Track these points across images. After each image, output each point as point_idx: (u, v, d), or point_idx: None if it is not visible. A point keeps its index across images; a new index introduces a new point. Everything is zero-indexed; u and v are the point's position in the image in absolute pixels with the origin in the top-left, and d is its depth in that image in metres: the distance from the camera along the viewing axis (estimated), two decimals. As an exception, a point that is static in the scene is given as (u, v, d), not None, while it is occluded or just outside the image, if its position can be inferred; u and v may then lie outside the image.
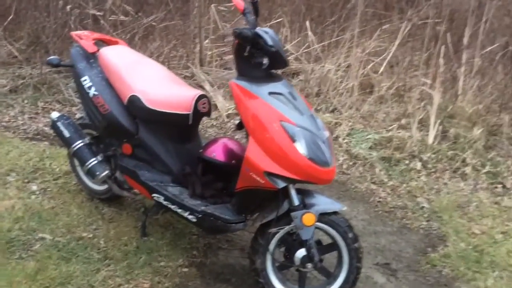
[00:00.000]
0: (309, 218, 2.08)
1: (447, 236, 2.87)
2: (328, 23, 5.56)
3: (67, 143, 2.71)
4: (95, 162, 2.64)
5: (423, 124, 4.04)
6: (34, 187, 3.08)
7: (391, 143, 3.80)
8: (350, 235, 2.17)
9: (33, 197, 2.98)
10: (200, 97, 2.40)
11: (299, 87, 4.80)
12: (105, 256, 2.49)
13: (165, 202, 2.39)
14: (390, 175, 3.52)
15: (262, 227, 2.22)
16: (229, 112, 4.39)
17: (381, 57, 4.94)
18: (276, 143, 2.01)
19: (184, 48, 5.11)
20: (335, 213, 2.18)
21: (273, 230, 2.17)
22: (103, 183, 2.76)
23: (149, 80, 2.48)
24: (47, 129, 4.06)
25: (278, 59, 2.09)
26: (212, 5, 5.26)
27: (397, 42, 4.92)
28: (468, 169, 3.54)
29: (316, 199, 2.18)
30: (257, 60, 2.05)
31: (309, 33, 5.23)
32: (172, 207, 2.37)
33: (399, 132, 3.89)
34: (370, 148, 3.78)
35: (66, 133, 2.69)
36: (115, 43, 2.75)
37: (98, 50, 2.62)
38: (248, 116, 2.06)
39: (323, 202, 2.18)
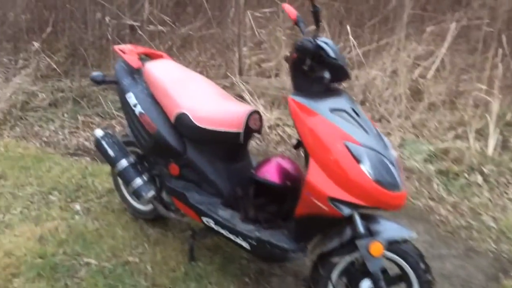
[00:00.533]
0: (376, 248, 1.88)
1: (520, 260, 2.62)
2: (369, 26, 5.33)
3: (111, 162, 2.59)
4: (141, 182, 2.52)
5: (480, 133, 3.77)
6: (78, 207, 2.99)
7: (447, 154, 3.55)
8: (422, 265, 1.96)
9: (76, 217, 2.88)
10: (252, 113, 2.23)
11: (343, 95, 4.60)
12: (153, 283, 2.36)
13: (215, 227, 2.24)
14: (449, 190, 3.27)
15: (322, 256, 2.03)
16: (271, 123, 4.22)
17: (428, 61, 4.69)
18: (340, 165, 1.82)
19: (223, 57, 4.98)
20: (404, 240, 1.98)
21: (336, 259, 1.98)
22: (148, 203, 2.64)
23: (197, 96, 2.34)
24: (87, 143, 4.00)
25: (340, 72, 1.91)
26: (248, 11, 5.12)
27: (445, 45, 4.66)
28: (534, 183, 3.27)
29: (381, 225, 1.97)
30: (318, 74, 1.87)
31: (350, 37, 5.01)
32: (223, 231, 2.22)
33: (455, 143, 3.63)
34: (425, 160, 3.54)
35: (111, 152, 2.58)
36: (160, 57, 2.62)
37: (143, 65, 2.49)
38: (308, 135, 1.88)
39: (390, 229, 1.97)
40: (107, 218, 2.89)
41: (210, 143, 2.29)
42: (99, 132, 2.66)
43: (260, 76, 5.01)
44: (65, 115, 4.39)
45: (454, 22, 4.64)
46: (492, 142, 3.57)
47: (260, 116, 2.28)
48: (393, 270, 2.04)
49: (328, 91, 1.96)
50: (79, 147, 3.95)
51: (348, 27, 5.03)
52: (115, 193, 3.11)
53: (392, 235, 1.95)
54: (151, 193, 2.52)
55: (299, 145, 2.05)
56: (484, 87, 3.95)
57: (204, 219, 2.26)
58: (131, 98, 2.40)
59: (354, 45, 4.85)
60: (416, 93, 4.48)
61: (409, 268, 1.96)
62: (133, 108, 2.39)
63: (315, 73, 1.88)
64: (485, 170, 3.39)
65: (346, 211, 1.84)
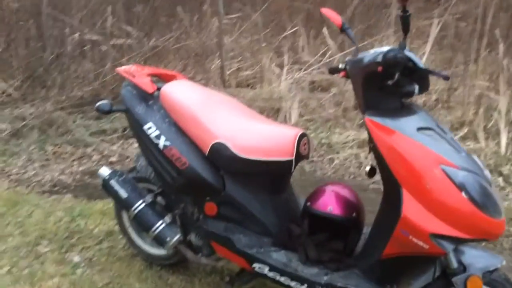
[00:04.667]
0: (475, 283, 1.64)
1: None
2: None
3: (125, 205, 2.18)
4: (163, 225, 2.13)
5: (487, 132, 3.66)
6: (76, 258, 2.54)
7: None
8: (514, 295, 1.73)
9: (78, 271, 2.43)
10: (301, 136, 1.92)
11: (333, 102, 4.37)
12: None
13: (270, 274, 1.89)
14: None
15: (406, 296, 1.76)
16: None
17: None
18: (439, 194, 1.54)
19: (201, 69, 4.61)
20: (495, 269, 1.74)
21: (427, 300, 1.71)
22: (172, 248, 2.24)
23: (231, 121, 1.98)
24: (64, 177, 3.50)
25: (425, 85, 1.64)
26: (215, 18, 4.79)
27: (430, 43, 4.55)
28: (555, 182, 3.16)
29: (469, 255, 1.73)
30: (408, 89, 1.59)
31: (330, 41, 4.80)
32: (282, 279, 1.87)
33: (468, 144, 3.48)
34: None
35: (123, 193, 2.16)
36: (173, 77, 2.23)
37: (158, 89, 2.10)
38: (397, 162, 1.59)
39: (481, 258, 1.73)
40: (115, 268, 2.46)
41: (255, 175, 1.94)
42: (105, 171, 2.24)
43: (239, 86, 4.70)
44: (32, 146, 3.86)
45: (438, 18, 4.54)
46: (504, 141, 3.45)
47: (309, 139, 1.97)
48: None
49: (404, 108, 1.69)
50: (55, 183, 3.44)
51: (326, 30, 4.82)
52: (116, 235, 2.70)
53: (486, 265, 1.71)
54: (177, 237, 2.13)
55: (373, 172, 1.76)
56: (486, 83, 3.84)
57: (256, 265, 1.91)
58: (152, 129, 2.00)
59: (335, 50, 4.65)
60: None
61: (504, 300, 1.72)
62: (156, 141, 1.98)
63: (403, 88, 1.59)
64: (504, 171, 3.25)
65: (449, 247, 1.57)
